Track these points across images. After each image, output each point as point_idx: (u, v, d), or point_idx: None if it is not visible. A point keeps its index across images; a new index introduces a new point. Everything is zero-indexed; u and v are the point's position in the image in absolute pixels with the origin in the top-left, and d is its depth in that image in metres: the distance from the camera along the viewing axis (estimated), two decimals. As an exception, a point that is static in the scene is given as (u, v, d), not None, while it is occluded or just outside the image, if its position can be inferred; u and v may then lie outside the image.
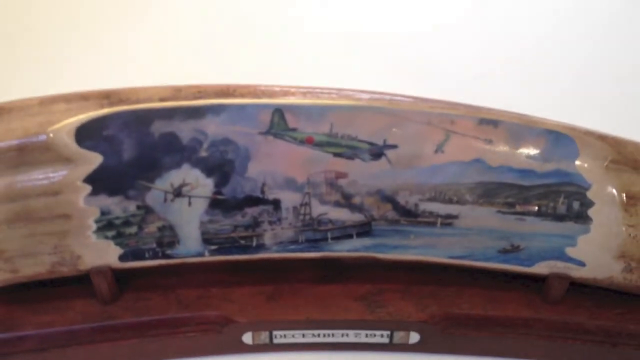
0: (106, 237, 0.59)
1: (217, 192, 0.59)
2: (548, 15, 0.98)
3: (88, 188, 0.57)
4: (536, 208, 0.60)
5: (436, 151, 0.58)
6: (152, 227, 0.59)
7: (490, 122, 0.58)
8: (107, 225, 0.58)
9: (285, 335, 0.63)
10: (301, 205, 0.60)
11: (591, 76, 0.90)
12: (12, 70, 0.85)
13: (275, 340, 0.63)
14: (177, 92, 0.61)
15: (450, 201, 0.60)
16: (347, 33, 0.93)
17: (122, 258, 0.60)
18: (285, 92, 0.63)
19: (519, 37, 0.94)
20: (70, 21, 0.92)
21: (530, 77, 0.89)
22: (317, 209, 0.60)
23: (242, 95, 0.62)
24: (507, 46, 0.94)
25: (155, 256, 0.60)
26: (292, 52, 0.90)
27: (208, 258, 0.61)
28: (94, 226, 0.58)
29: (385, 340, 0.63)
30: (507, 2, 1.01)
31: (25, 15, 0.93)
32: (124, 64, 0.86)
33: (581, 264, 0.60)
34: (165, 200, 0.58)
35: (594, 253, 0.60)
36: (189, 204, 0.59)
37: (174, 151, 0.57)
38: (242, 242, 0.61)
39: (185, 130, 0.57)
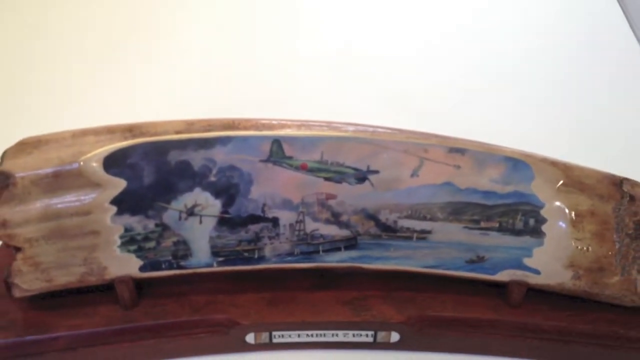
0: (129, 251, 0.61)
1: (224, 212, 0.62)
2: (515, 54, 1.01)
3: (114, 209, 0.60)
4: (498, 224, 0.63)
5: (412, 175, 0.62)
6: (168, 242, 0.62)
7: (458, 150, 0.61)
8: (129, 241, 0.61)
9: (283, 336, 0.65)
10: (296, 222, 0.63)
11: (545, 110, 0.93)
12: (49, 108, 0.88)
13: (275, 340, 0.65)
14: (189, 125, 0.63)
15: (424, 218, 0.63)
16: (335, 73, 0.96)
17: (142, 269, 0.62)
18: (283, 125, 0.65)
19: (485, 74, 0.98)
20: (99, 66, 0.95)
21: (494, 109, 0.92)
22: (310, 225, 0.63)
23: (246, 128, 0.64)
24: (475, 82, 0.97)
25: (170, 267, 0.63)
26: (288, 90, 0.93)
27: (216, 268, 0.63)
28: (119, 241, 0.61)
29: (370, 339, 0.66)
30: (478, 41, 1.04)
31: (60, 61, 0.96)
32: (144, 102, 0.89)
33: (537, 272, 0.63)
34: (179, 218, 0.61)
35: (547, 263, 0.63)
36: (200, 222, 0.62)
37: (187, 177, 0.61)
38: (246, 254, 0.63)
39: (197, 159, 0.60)
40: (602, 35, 1.06)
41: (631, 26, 1.07)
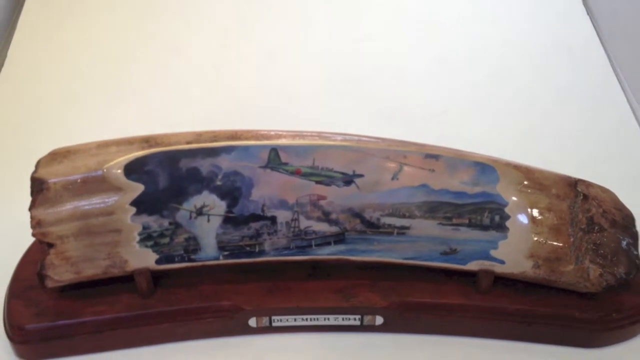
0: (146, 246, 0.65)
1: (229, 212, 0.65)
2: (487, 71, 1.04)
3: (133, 209, 0.64)
4: (468, 220, 0.66)
5: (392, 179, 0.65)
6: (180, 238, 0.65)
7: (433, 156, 0.65)
8: (147, 237, 0.64)
9: (281, 320, 0.69)
10: (292, 220, 0.66)
11: (512, 119, 0.96)
12: (76, 122, 0.93)
13: (274, 324, 0.69)
14: (198, 136, 0.66)
15: (403, 216, 0.66)
16: (325, 89, 1.00)
17: (157, 262, 0.65)
18: (279, 136, 0.66)
19: (458, 89, 1.01)
20: (119, 86, 0.99)
21: (467, 119, 0.96)
22: (304, 223, 0.66)
23: (247, 138, 0.66)
24: (450, 96, 1.00)
25: (182, 260, 0.66)
26: (285, 104, 0.97)
27: (222, 261, 0.66)
28: (138, 238, 0.64)
29: (357, 322, 0.69)
30: (462, 53, 1.07)
31: (84, 83, 1.01)
32: (159, 116, 0.92)
33: (502, 262, 0.66)
34: (190, 218, 0.65)
35: (510, 254, 0.66)
36: (208, 220, 0.65)
37: (197, 181, 0.64)
38: (248, 248, 0.66)
39: (205, 166, 0.64)
40: (568, 42, 1.08)
41: (599, 36, 1.10)
